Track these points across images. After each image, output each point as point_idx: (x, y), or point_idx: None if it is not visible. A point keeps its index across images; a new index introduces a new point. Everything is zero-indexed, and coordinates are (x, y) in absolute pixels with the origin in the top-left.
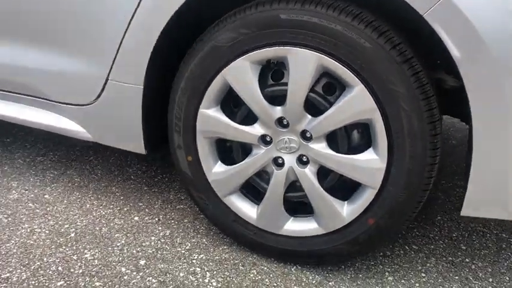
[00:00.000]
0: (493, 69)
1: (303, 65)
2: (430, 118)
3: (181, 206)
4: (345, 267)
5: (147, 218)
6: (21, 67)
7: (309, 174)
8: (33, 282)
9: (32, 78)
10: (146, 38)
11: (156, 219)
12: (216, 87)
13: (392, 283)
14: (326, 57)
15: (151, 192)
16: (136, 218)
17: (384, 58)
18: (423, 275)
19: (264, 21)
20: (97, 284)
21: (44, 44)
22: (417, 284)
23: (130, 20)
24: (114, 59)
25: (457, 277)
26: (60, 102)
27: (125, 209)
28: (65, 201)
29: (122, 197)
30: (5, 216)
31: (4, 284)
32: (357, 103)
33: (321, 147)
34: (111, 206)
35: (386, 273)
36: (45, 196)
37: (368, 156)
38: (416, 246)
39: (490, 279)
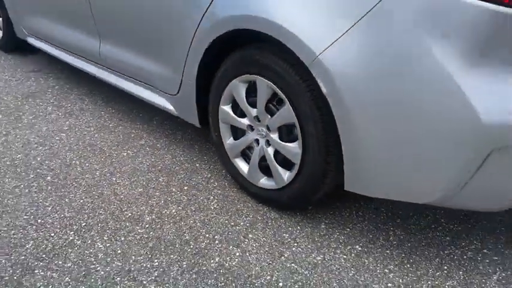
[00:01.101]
0: (344, 97)
1: (262, 87)
2: (322, 126)
3: None
4: (299, 214)
5: (204, 166)
6: (146, 69)
7: (270, 151)
8: (139, 189)
9: (150, 75)
10: (195, 59)
11: (208, 167)
12: (227, 93)
13: (322, 229)
14: (272, 84)
15: (215, 152)
16: (197, 165)
17: (298, 89)
18: (348, 229)
19: (245, 59)
20: (157, 193)
21: (156, 59)
22: (338, 233)
23: (188, 50)
24: (184, 69)
25: (371, 235)
26: (163, 92)
27: (194, 159)
28: (166, 149)
29: (197, 151)
30: (131, 152)
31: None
32: (286, 113)
33: (275, 136)
34: (188, 156)
35: (323, 223)
36: (157, 145)
37: (294, 145)
38: (361, 213)
39: (391, 238)
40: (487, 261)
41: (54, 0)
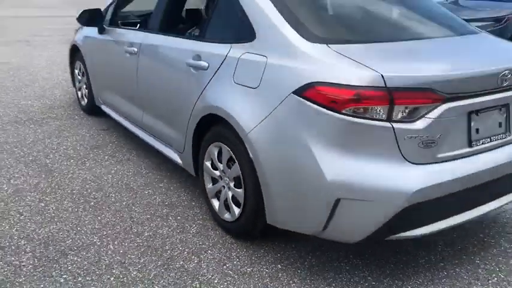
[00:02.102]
0: (261, 161)
1: (224, 151)
2: (254, 179)
3: None
4: (249, 242)
5: (197, 204)
6: (166, 134)
7: (229, 194)
8: (147, 215)
9: (169, 138)
10: (191, 130)
11: (199, 205)
12: (207, 154)
13: (260, 252)
14: (229, 149)
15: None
16: (193, 203)
17: (241, 154)
18: (279, 254)
19: (217, 132)
20: (158, 219)
21: (172, 128)
22: (269, 256)
23: (187, 124)
24: (186, 136)
25: (292, 259)
26: (176, 150)
27: (193, 199)
28: (176, 190)
29: (197, 194)
30: (151, 191)
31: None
32: (236, 169)
33: (232, 184)
34: (189, 196)
35: (262, 249)
36: (171, 187)
37: (241, 191)
38: (294, 245)
39: (306, 263)
40: (363, 282)
41: (116, 84)
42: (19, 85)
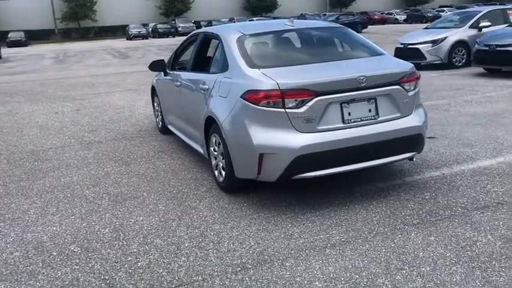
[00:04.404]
0: (228, 137)
1: (217, 138)
2: (227, 152)
3: None
4: (231, 194)
5: (207, 173)
6: (194, 134)
7: (220, 165)
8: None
9: (195, 137)
10: (202, 127)
11: (210, 177)
12: (211, 142)
13: (233, 200)
14: (218, 136)
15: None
16: (205, 176)
17: (222, 138)
18: (249, 199)
19: (213, 128)
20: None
21: (195, 129)
22: (243, 207)
23: (202, 124)
24: (202, 135)
25: (253, 201)
26: (199, 144)
27: (208, 169)
28: (201, 171)
29: (208, 168)
30: (193, 173)
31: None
32: (221, 148)
33: (221, 158)
34: (208, 174)
35: (239, 197)
36: (200, 165)
37: (224, 160)
38: (259, 194)
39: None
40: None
41: (172, 107)
42: (121, 118)
